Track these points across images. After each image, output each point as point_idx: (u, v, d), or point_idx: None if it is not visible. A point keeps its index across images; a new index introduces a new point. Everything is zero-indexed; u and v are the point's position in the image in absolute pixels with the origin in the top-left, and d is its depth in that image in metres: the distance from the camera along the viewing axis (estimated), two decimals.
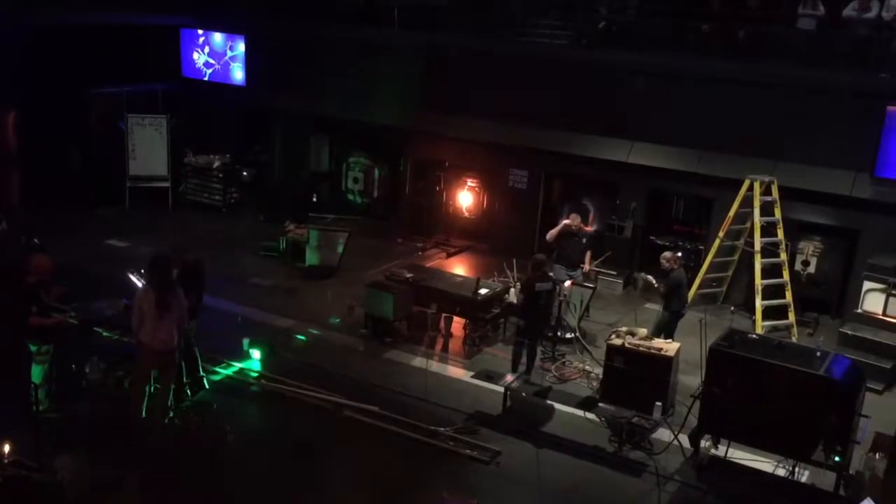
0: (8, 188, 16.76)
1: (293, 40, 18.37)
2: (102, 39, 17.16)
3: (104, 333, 10.88)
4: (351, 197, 19.00)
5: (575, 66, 15.55)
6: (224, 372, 11.13)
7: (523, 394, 10.65)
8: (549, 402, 10.77)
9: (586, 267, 13.37)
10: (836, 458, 8.73)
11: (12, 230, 15.53)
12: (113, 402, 10.07)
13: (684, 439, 9.85)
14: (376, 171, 18.68)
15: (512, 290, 13.01)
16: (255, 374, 11.14)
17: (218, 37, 19.27)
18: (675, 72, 14.71)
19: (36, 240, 14.27)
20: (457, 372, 11.67)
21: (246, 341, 11.61)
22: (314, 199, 18.56)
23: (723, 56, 14.72)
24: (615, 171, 15.32)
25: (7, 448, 7.61)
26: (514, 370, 11.15)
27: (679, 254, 12.61)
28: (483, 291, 12.41)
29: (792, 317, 13.47)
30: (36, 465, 8.39)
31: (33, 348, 9.54)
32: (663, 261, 11.85)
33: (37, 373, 9.55)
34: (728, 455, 9.74)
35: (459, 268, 15.70)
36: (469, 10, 17.31)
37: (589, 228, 13.68)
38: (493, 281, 13.46)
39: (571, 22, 16.46)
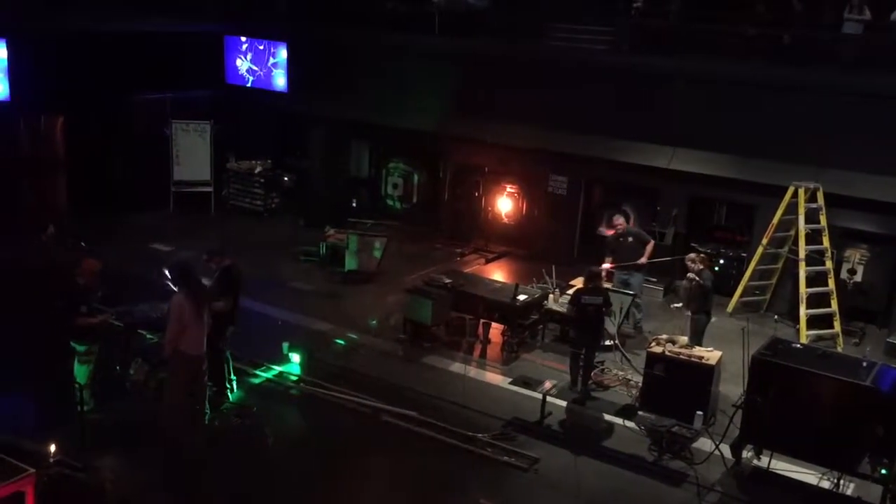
0: (56, 193, 17.12)
1: (334, 47, 18.53)
2: (148, 47, 17.48)
3: (148, 336, 11.04)
4: (390, 202, 19.08)
5: (616, 71, 15.46)
6: (264, 375, 11.23)
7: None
8: (587, 409, 10.70)
9: (642, 259, 13.33)
10: (883, 471, 8.56)
11: (60, 234, 15.91)
12: (155, 403, 10.21)
13: (726, 449, 9.71)
14: (415, 177, 18.75)
15: (551, 296, 12.96)
16: (295, 378, 11.22)
17: (260, 44, 19.49)
18: (718, 77, 14.55)
19: (83, 243, 14.59)
20: (495, 378, 11.64)
21: (285, 345, 11.70)
22: (354, 205, 18.68)
23: (767, 61, 14.52)
24: (656, 178, 15.18)
25: (52, 448, 7.76)
26: (572, 383, 11.07)
27: (706, 252, 12.57)
28: (521, 298, 12.38)
29: (837, 326, 13.22)
30: (80, 465, 8.55)
31: (80, 348, 9.71)
32: (689, 262, 11.77)
33: (82, 373, 9.73)
34: (771, 466, 9.56)
35: (498, 274, 15.67)
36: (509, 15, 17.32)
37: (615, 229, 13.64)
38: (532, 287, 13.41)
39: (612, 26, 16.35)
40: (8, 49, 15.77)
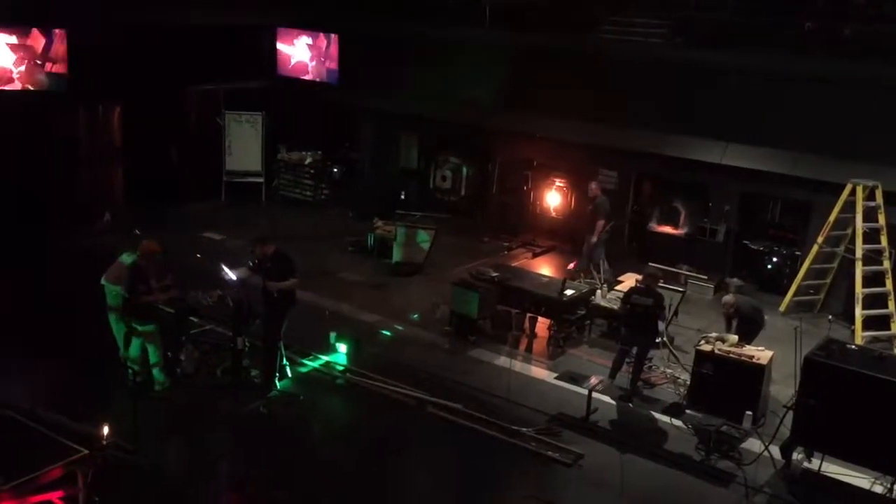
0: (112, 181, 17.48)
1: (385, 39, 18.58)
2: (202, 38, 17.73)
3: (208, 326, 11.28)
4: (439, 195, 19.09)
5: (669, 65, 15.24)
6: (311, 364, 11.35)
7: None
8: (634, 406, 10.60)
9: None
10: None
11: (115, 221, 16.28)
12: (205, 389, 10.40)
13: (775, 451, 9.54)
14: (464, 170, 18.74)
15: (598, 292, 12.87)
16: (341, 368, 11.31)
17: (313, 36, 19.63)
18: (774, 71, 14.25)
19: (137, 231, 14.87)
20: (540, 373, 11.61)
21: (332, 335, 11.80)
22: (402, 197, 18.74)
23: (825, 55, 14.19)
24: (708, 173, 14.96)
25: (106, 430, 7.93)
26: (611, 376, 10.97)
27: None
28: (569, 292, 12.31)
29: (894, 328, 12.89)
30: (131, 448, 8.73)
31: (141, 328, 9.96)
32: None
33: (153, 353, 10.00)
34: (821, 469, 9.38)
35: (545, 268, 15.60)
36: (561, 8, 17.18)
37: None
38: (580, 282, 13.32)
39: (666, 20, 16.12)
40: (68, 40, 16.15)
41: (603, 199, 14.51)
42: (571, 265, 14.93)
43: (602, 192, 14.67)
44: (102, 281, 10.54)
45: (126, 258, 10.45)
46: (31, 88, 16.18)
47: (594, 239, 14.25)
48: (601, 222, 14.20)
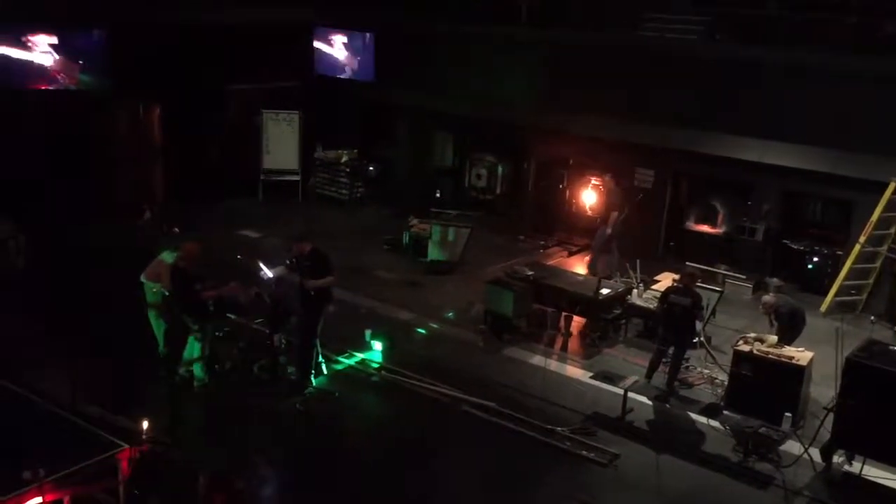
0: (152, 179, 17.73)
1: (421, 37, 18.59)
2: (240, 38, 17.89)
3: (252, 323, 11.38)
4: (474, 193, 19.07)
5: (708, 62, 15.05)
6: (346, 362, 11.40)
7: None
8: (670, 407, 10.50)
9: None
10: None
11: (155, 219, 16.51)
12: (242, 386, 10.50)
13: (815, 453, 9.39)
14: (500, 168, 18.70)
15: (635, 291, 12.77)
16: (376, 366, 11.36)
17: (349, 34, 19.70)
18: (815, 67, 14.00)
19: (176, 228, 15.08)
20: (575, 372, 11.55)
21: (368, 332, 11.84)
22: (438, 195, 18.76)
23: (867, 52, 13.91)
24: (747, 172, 14.75)
25: (145, 424, 8.05)
26: (647, 376, 10.88)
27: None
28: (605, 291, 12.23)
29: None
30: (171, 442, 8.85)
31: (195, 326, 10.11)
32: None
33: (196, 349, 10.15)
34: (863, 472, 9.21)
35: (581, 267, 15.51)
36: (598, 3, 17.05)
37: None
38: (616, 281, 13.23)
39: (705, 15, 15.92)
40: (109, 40, 16.41)
41: (617, 192, 15.05)
42: (586, 259, 15.37)
43: (616, 185, 15.19)
44: (142, 278, 10.70)
45: (167, 256, 10.59)
46: (73, 88, 16.47)
47: (609, 230, 14.74)
48: (615, 214, 14.71)
